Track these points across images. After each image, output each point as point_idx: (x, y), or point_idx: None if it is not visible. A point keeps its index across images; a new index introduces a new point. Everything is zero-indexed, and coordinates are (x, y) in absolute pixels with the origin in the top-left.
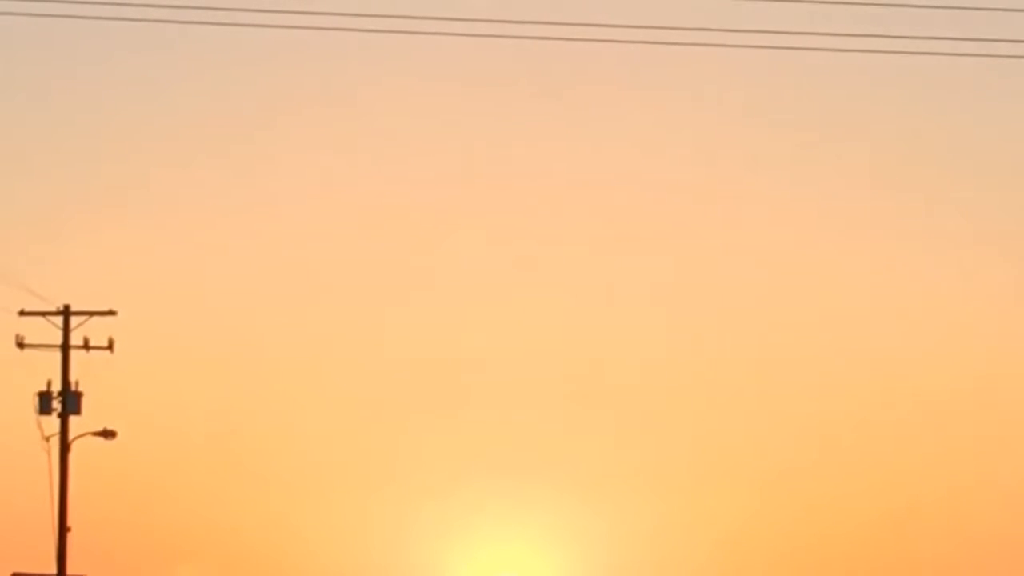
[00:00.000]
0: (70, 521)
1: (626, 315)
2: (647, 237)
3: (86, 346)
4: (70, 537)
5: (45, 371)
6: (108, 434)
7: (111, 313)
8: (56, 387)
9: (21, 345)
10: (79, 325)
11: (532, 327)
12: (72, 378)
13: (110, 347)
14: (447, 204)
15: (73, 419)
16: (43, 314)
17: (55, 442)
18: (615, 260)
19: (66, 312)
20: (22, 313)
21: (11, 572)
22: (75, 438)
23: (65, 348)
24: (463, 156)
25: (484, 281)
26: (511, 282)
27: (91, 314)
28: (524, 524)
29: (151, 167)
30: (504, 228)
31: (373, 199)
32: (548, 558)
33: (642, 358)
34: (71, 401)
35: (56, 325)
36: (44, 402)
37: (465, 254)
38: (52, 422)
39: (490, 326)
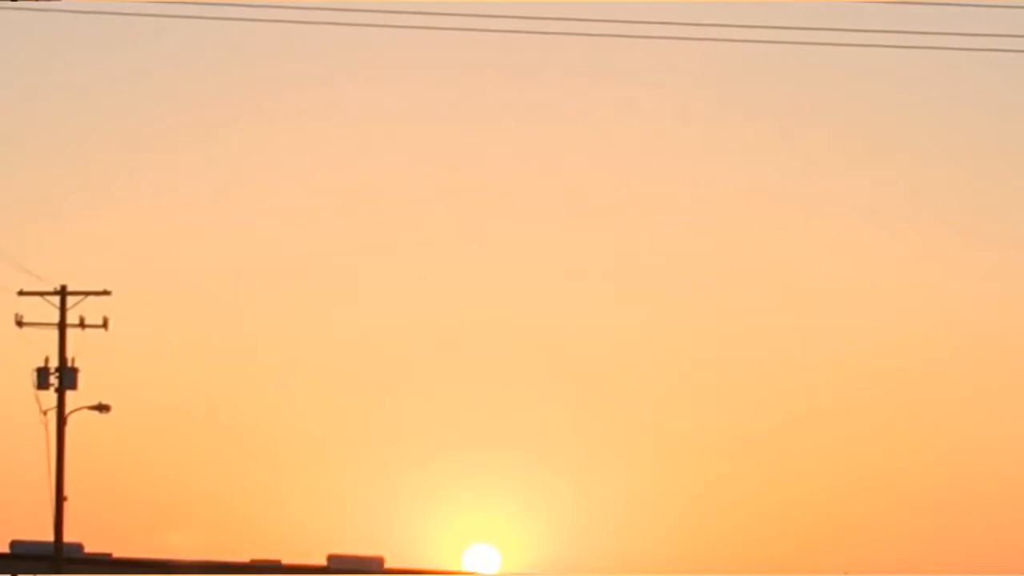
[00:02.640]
0: (66, 491)
1: (595, 294)
2: (616, 219)
3: (82, 324)
4: (66, 506)
5: (43, 348)
6: (103, 408)
7: (106, 293)
8: (53, 363)
9: (20, 323)
10: (75, 304)
11: (505, 306)
12: (68, 355)
13: (105, 325)
14: (422, 188)
15: (69, 394)
16: (41, 294)
17: (52, 415)
18: (586, 241)
19: (63, 292)
20: (21, 293)
21: (10, 539)
22: (71, 412)
23: (62, 326)
24: (437, 142)
25: (460, 262)
26: (486, 263)
27: (87, 294)
28: (498, 495)
29: (144, 153)
30: (478, 211)
31: (356, 184)
32: (521, 528)
33: (610, 335)
34: (68, 376)
35: (53, 304)
36: (42, 377)
37: (441, 236)
38: (49, 396)
39: (464, 305)
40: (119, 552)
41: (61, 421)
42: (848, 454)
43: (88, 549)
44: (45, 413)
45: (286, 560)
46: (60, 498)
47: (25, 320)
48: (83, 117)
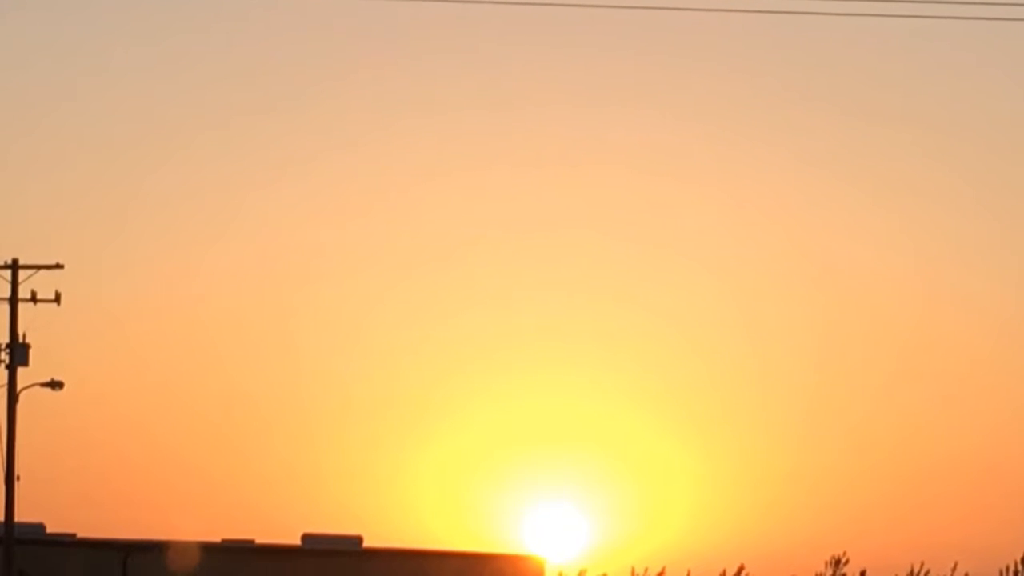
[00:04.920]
0: (18, 469)
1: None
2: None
3: (34, 299)
4: (18, 485)
5: None
6: (55, 384)
7: (58, 267)
8: (4, 339)
9: None
10: (27, 279)
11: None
12: (20, 330)
13: (57, 300)
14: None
15: (21, 370)
16: None
17: (3, 393)
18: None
19: (14, 266)
20: None
21: None
22: (23, 388)
23: (13, 301)
24: (493, 142)
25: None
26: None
27: (39, 268)
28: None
29: (96, 124)
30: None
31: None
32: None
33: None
34: (19, 352)
35: (4, 279)
36: None
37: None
38: (0, 373)
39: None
40: (83, 532)
41: (12, 398)
42: (835, 440)
43: (50, 529)
44: None
45: (259, 539)
46: (11, 477)
47: None
48: (34, 93)
